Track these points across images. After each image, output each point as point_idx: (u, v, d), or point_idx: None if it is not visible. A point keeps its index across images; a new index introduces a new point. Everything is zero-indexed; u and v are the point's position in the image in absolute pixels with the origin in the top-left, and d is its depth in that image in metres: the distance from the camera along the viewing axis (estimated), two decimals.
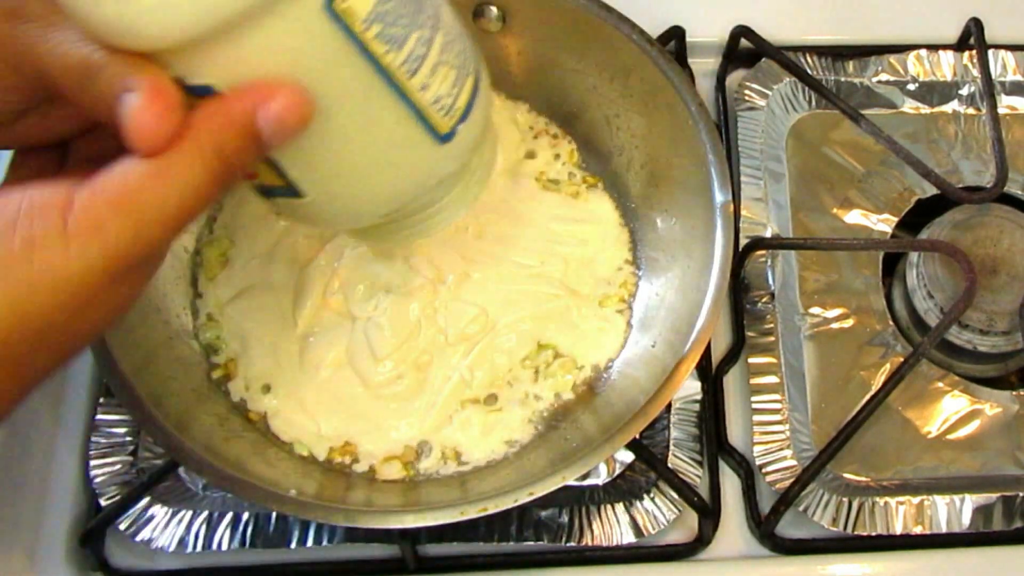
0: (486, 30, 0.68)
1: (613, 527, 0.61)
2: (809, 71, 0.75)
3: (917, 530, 0.62)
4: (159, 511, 0.61)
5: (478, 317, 0.64)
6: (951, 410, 0.67)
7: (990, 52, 0.76)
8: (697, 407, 0.65)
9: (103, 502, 0.62)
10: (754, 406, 0.65)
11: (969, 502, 0.63)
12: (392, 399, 0.63)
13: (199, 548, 0.60)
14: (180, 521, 0.61)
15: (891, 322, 0.69)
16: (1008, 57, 0.77)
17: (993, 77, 0.76)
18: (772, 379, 0.66)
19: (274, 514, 0.61)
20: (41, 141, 0.44)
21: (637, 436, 0.57)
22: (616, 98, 0.67)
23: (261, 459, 0.60)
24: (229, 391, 0.63)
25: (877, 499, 0.63)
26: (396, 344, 0.63)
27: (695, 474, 0.63)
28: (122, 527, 0.60)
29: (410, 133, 0.43)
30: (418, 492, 0.60)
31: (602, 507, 0.62)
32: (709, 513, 0.62)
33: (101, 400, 0.65)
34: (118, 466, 0.63)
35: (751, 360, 0.67)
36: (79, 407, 0.66)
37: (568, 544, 0.61)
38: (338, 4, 0.38)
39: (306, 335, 0.64)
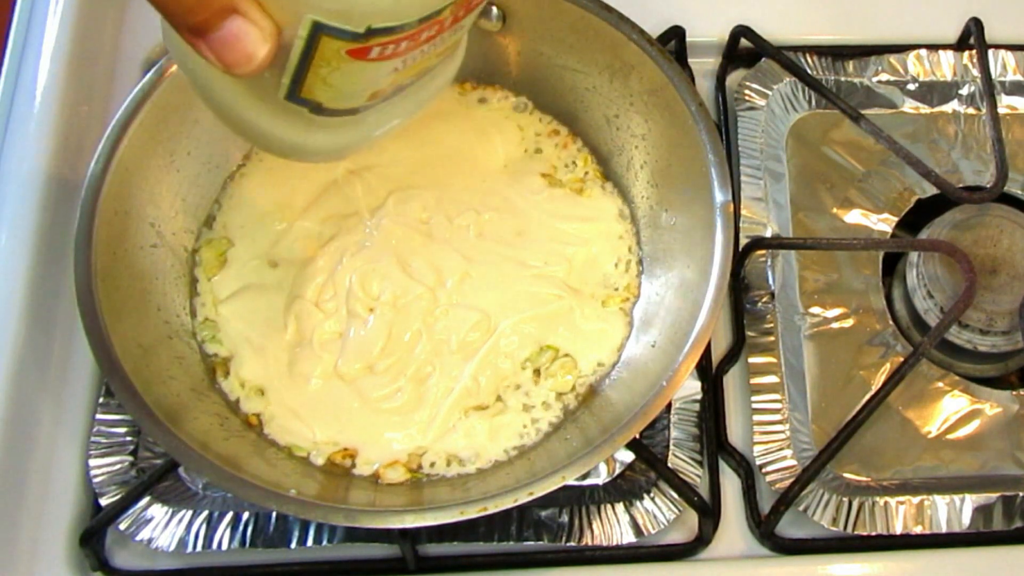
0: (486, 30, 0.68)
1: (613, 527, 0.61)
2: (809, 71, 0.75)
3: (917, 530, 0.62)
4: (159, 511, 0.61)
5: (480, 322, 0.64)
6: (951, 410, 0.67)
7: (990, 52, 0.76)
8: (697, 407, 0.65)
9: (103, 502, 0.62)
10: (754, 406, 0.65)
11: (969, 502, 0.63)
12: (391, 412, 0.62)
13: (199, 548, 0.60)
14: (180, 521, 0.61)
15: (891, 322, 0.69)
16: (1008, 57, 0.77)
17: (993, 77, 0.76)
18: (772, 379, 0.66)
19: (274, 514, 0.61)
20: None
21: (637, 436, 0.57)
22: (616, 98, 0.67)
23: (261, 459, 0.60)
24: (225, 391, 0.63)
25: (877, 499, 0.63)
26: (393, 358, 0.63)
27: (695, 474, 0.63)
28: (122, 527, 0.60)
29: None
30: (421, 492, 0.60)
31: (602, 507, 0.62)
32: (709, 513, 0.62)
33: (101, 400, 0.65)
34: (118, 466, 0.63)
35: (751, 360, 0.67)
36: (79, 407, 0.66)
37: (568, 544, 0.61)
38: None
39: (295, 344, 0.64)
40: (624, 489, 0.63)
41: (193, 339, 0.65)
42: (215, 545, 0.60)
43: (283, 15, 0.40)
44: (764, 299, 0.69)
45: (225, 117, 0.47)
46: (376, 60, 0.42)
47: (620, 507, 0.62)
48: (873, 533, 0.62)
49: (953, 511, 0.63)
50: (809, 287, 0.70)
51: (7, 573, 0.61)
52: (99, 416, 0.64)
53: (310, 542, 0.60)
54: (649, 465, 0.62)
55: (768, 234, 0.70)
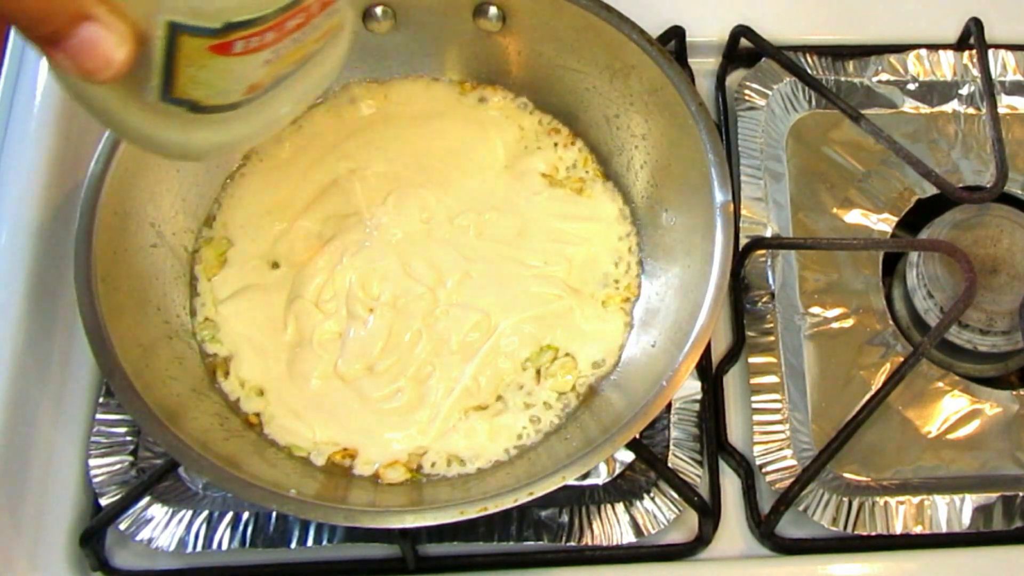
0: (486, 30, 0.68)
1: (613, 527, 0.61)
2: (809, 71, 0.75)
3: (917, 530, 0.62)
4: (159, 511, 0.61)
5: (480, 322, 0.64)
6: (951, 410, 0.67)
7: (990, 52, 0.76)
8: (697, 407, 0.65)
9: (103, 502, 0.62)
10: (754, 406, 0.65)
11: (969, 502, 0.63)
12: (391, 413, 0.62)
13: (199, 548, 0.60)
14: (180, 521, 0.61)
15: (891, 322, 0.69)
16: (1008, 57, 0.77)
17: (993, 77, 0.76)
18: (772, 379, 0.66)
19: (274, 514, 0.61)
20: None
21: (637, 436, 0.57)
22: (616, 98, 0.67)
23: (261, 459, 0.60)
24: (225, 391, 0.63)
25: (877, 499, 0.63)
26: (393, 359, 0.63)
27: (695, 474, 0.63)
28: (122, 527, 0.60)
29: None
30: (421, 492, 0.60)
31: (602, 507, 0.62)
32: (709, 513, 0.62)
33: (101, 400, 0.65)
34: (118, 466, 0.63)
35: (751, 360, 0.67)
36: (79, 407, 0.66)
37: (568, 544, 0.61)
38: None
39: (295, 344, 0.64)
40: (624, 489, 0.63)
41: (193, 339, 0.65)
42: (215, 545, 0.60)
43: (138, 17, 0.39)
44: (764, 299, 0.69)
45: (107, 123, 0.46)
46: (243, 54, 0.41)
47: (620, 507, 0.62)
48: (873, 533, 0.62)
49: (953, 511, 0.63)
50: (809, 287, 0.70)
51: (7, 573, 0.61)
52: (99, 416, 0.64)
53: (310, 542, 0.60)
54: (649, 465, 0.62)
55: (768, 234, 0.70)
